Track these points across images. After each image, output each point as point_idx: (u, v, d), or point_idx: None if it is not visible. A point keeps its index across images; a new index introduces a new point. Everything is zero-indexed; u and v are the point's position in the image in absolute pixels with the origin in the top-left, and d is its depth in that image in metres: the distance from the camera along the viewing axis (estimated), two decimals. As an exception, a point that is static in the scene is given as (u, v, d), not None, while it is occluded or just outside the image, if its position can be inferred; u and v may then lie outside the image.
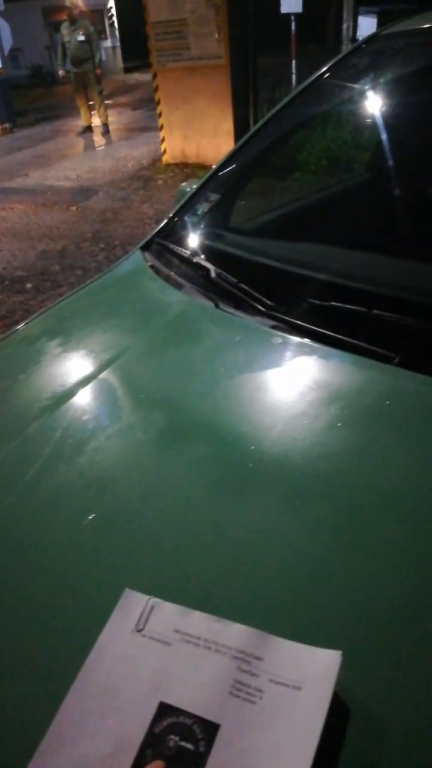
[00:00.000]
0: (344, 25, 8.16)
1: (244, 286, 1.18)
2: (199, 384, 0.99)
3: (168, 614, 0.63)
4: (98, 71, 9.42)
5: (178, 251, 1.41)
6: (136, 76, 18.52)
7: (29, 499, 0.83)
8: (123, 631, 0.62)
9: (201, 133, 7.12)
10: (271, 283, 1.19)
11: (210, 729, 0.54)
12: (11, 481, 0.87)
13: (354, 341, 0.96)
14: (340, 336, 0.98)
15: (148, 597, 0.65)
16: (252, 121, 7.14)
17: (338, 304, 1.02)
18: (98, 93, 9.58)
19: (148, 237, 1.58)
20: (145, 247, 1.55)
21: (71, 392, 1.03)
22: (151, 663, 0.59)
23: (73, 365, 1.13)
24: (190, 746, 0.53)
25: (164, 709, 0.56)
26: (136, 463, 0.86)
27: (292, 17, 8.85)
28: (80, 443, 0.91)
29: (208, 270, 1.27)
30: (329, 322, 1.02)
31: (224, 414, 0.91)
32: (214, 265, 1.28)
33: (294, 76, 9.05)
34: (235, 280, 1.20)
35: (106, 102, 10.30)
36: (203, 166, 7.07)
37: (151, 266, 1.44)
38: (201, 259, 1.32)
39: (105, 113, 9.90)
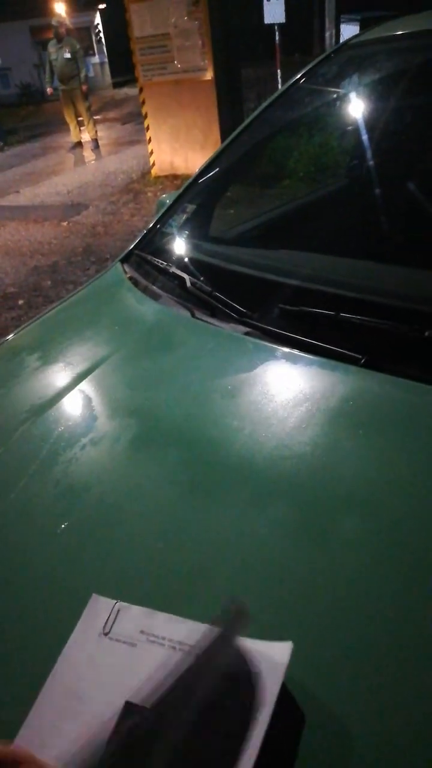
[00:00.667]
0: (327, 34, 8.24)
1: (218, 294, 1.20)
2: (172, 392, 1.01)
3: (134, 617, 0.65)
4: (85, 87, 9.52)
5: (156, 262, 1.43)
6: (125, 91, 18.67)
7: (3, 509, 0.85)
8: (90, 635, 0.64)
9: (189, 145, 7.20)
10: (244, 290, 1.21)
11: None
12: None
13: (321, 344, 0.98)
14: (308, 340, 1.00)
15: (115, 601, 0.66)
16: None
17: (306, 308, 1.04)
18: (86, 108, 9.68)
19: (128, 249, 1.61)
20: (124, 260, 1.57)
21: (48, 404, 1.05)
22: (117, 664, 0.61)
23: (52, 378, 1.15)
24: None
25: (130, 708, 0.57)
26: (109, 471, 0.88)
27: (276, 27, 8.94)
28: (56, 453, 0.93)
29: (184, 280, 1.29)
30: (298, 327, 1.04)
31: (196, 420, 0.93)
32: (190, 274, 1.30)
33: (279, 85, 9.13)
34: (210, 289, 1.22)
35: (95, 117, 10.41)
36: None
37: (130, 278, 1.46)
38: (177, 270, 1.34)
39: (94, 128, 10.00)
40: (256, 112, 1.69)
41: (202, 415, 0.93)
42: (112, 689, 0.59)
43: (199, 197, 1.66)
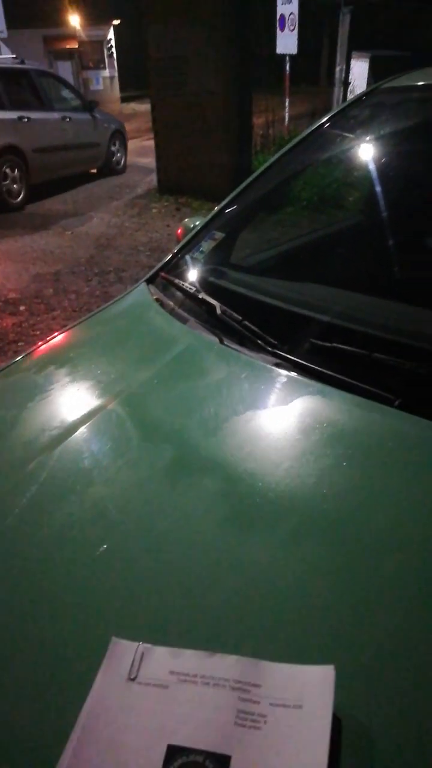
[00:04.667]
0: (337, 68, 8.42)
1: (248, 323, 1.22)
2: (205, 419, 1.02)
3: (160, 658, 0.63)
4: None
5: (183, 286, 1.45)
6: (133, 106, 18.87)
7: (35, 530, 0.85)
8: (116, 682, 0.62)
9: (196, 164, 7.29)
10: (275, 321, 1.23)
11: (222, 761, 0.55)
12: (16, 512, 0.89)
13: (356, 383, 1.00)
14: (342, 377, 1.02)
15: (138, 643, 0.64)
16: (246, 155, 7.31)
17: (341, 345, 1.07)
18: None
19: (153, 270, 1.63)
20: (150, 281, 1.59)
21: (79, 424, 1.05)
22: (151, 708, 0.59)
23: (80, 396, 1.15)
24: None
25: (173, 751, 0.56)
26: (143, 497, 0.88)
27: (287, 58, 9.13)
28: (85, 477, 0.93)
29: (213, 306, 1.31)
30: (332, 363, 1.06)
31: (231, 450, 0.94)
32: (218, 300, 1.32)
33: (287, 114, 9.29)
34: (240, 318, 1.24)
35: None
36: (197, 197, 7.21)
37: (157, 300, 1.47)
38: (206, 295, 1.36)
39: None
40: (287, 146, 1.73)
41: (239, 446, 0.94)
42: (151, 734, 0.57)
43: (225, 225, 1.69)
